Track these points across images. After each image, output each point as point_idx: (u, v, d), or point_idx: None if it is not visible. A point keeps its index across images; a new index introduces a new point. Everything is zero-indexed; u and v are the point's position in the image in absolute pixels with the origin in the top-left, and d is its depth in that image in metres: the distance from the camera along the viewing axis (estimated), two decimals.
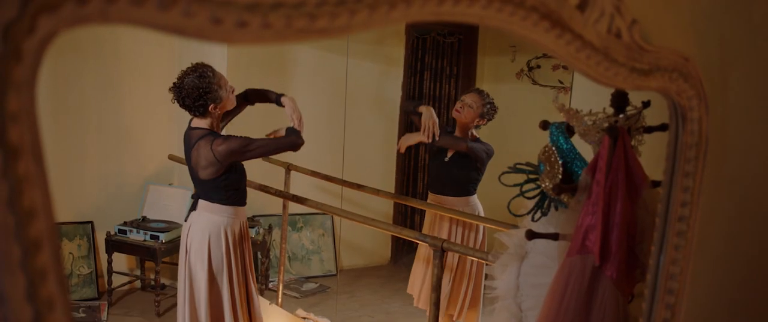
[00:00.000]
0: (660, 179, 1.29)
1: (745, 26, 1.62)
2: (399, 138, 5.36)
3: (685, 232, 1.24)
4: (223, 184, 2.72)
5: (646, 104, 1.35)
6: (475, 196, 3.54)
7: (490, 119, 3.52)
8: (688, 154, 1.21)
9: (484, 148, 3.43)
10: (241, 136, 2.66)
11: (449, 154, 3.53)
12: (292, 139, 2.73)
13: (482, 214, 3.54)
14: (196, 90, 2.63)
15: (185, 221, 2.85)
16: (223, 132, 2.84)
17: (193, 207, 2.81)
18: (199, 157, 2.67)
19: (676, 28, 1.42)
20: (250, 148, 2.64)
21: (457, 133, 3.52)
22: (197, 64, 2.71)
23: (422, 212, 5.62)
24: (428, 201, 3.68)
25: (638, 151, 1.37)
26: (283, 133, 2.82)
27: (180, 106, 2.73)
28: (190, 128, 2.77)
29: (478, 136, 3.53)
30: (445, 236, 3.36)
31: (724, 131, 1.56)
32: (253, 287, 2.91)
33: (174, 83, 2.70)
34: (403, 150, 3.62)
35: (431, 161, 3.66)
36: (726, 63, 1.59)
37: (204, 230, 2.73)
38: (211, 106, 2.67)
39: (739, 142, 1.68)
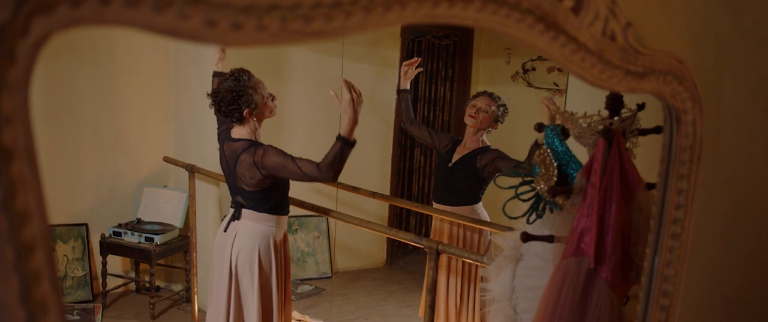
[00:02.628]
0: (654, 182, 1.29)
1: (739, 29, 1.63)
2: (394, 141, 5.38)
3: (680, 234, 1.25)
4: (270, 194, 2.69)
5: (641, 107, 1.36)
6: (480, 204, 3.40)
7: (502, 122, 3.36)
8: (683, 156, 1.21)
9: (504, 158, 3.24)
10: (280, 153, 2.54)
11: (454, 160, 3.38)
12: (317, 170, 2.43)
13: (488, 220, 3.35)
14: (229, 93, 2.59)
15: (225, 231, 2.79)
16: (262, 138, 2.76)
17: (235, 216, 2.76)
18: (244, 171, 2.63)
19: (670, 31, 1.43)
20: (289, 168, 2.50)
21: (466, 138, 3.38)
22: (235, 68, 2.68)
23: (418, 214, 5.63)
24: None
25: (633, 153, 1.37)
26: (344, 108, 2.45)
27: (216, 113, 2.72)
28: (230, 139, 2.70)
29: (488, 143, 3.38)
30: (445, 240, 3.29)
31: (718, 134, 1.57)
32: (290, 295, 2.91)
33: (212, 89, 2.69)
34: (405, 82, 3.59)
35: (436, 169, 3.55)
36: (720, 66, 1.59)
37: (253, 240, 2.69)
38: (245, 112, 2.62)
39: (733, 145, 1.69)
